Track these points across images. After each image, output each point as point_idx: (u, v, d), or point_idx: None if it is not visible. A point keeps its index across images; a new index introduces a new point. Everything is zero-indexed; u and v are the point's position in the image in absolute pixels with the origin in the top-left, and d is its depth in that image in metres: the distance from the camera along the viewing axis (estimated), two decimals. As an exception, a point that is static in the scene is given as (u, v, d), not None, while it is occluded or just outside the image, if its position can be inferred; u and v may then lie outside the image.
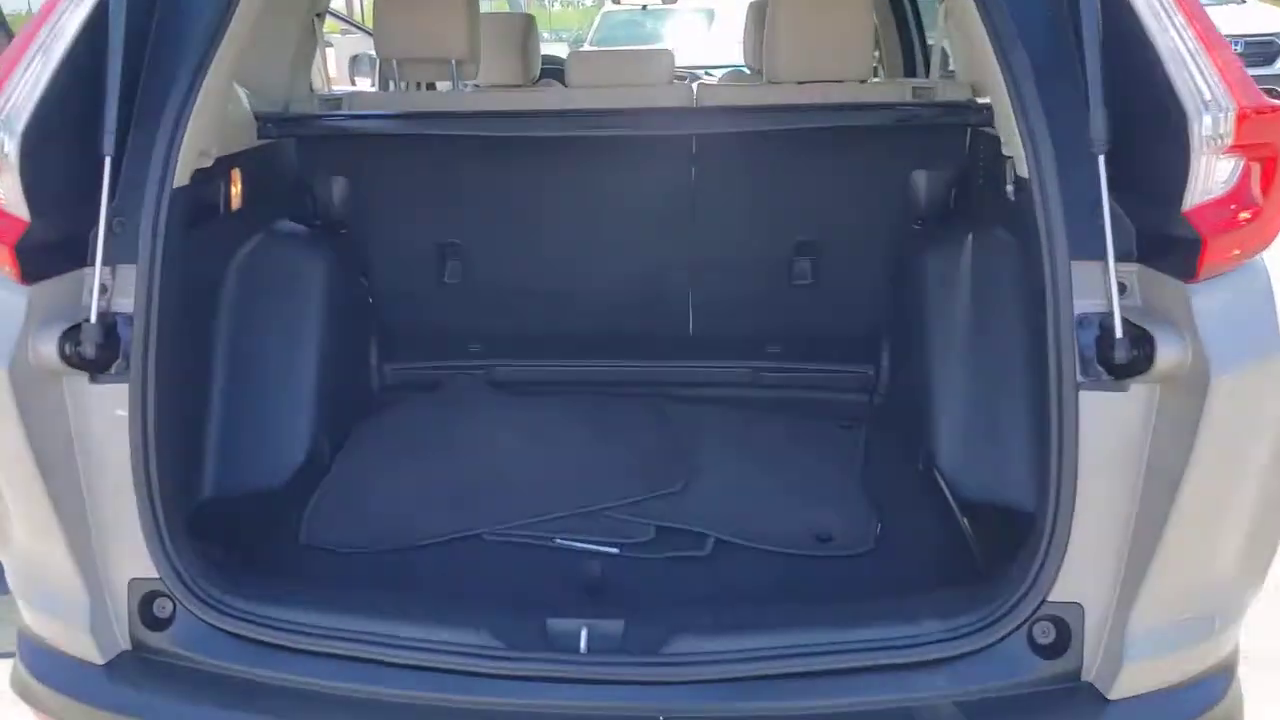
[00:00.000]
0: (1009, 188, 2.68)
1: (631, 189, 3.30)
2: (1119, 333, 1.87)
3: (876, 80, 3.29)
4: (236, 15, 2.16)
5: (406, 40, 3.26)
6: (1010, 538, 2.41)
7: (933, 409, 2.83)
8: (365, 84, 5.57)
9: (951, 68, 3.59)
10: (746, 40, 4.63)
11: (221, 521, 2.54)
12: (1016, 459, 2.61)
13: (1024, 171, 2.04)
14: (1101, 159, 1.88)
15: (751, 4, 4.60)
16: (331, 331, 2.98)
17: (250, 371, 2.81)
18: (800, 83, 3.17)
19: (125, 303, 2.05)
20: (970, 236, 2.90)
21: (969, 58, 3.24)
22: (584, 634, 2.03)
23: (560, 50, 5.11)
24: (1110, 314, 1.90)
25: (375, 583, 2.38)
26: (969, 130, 3.10)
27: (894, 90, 3.25)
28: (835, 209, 3.32)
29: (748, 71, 4.76)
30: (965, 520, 2.53)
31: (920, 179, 3.24)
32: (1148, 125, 1.90)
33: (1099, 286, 1.93)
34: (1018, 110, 2.00)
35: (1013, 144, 2.13)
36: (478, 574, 2.44)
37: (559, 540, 2.56)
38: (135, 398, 2.04)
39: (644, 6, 6.13)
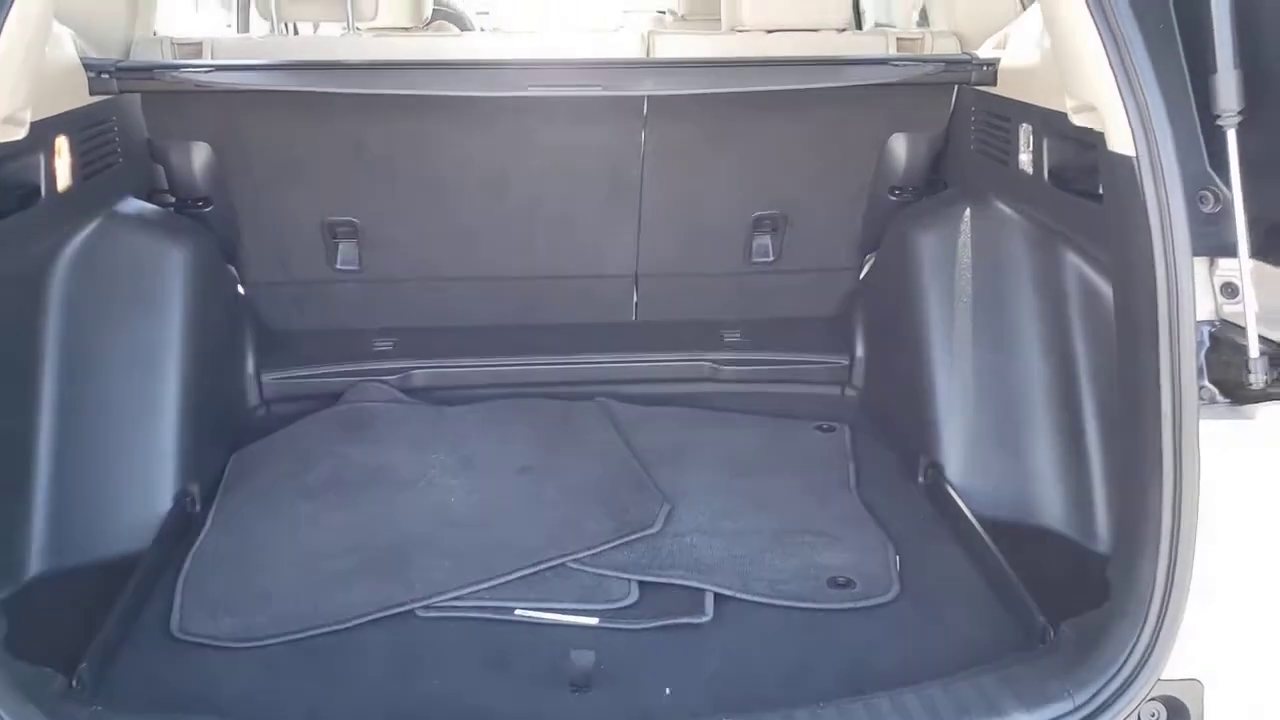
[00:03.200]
0: (1024, 158, 2.29)
1: (569, 155, 2.74)
2: (1254, 349, 1.52)
3: (854, 30, 2.82)
4: None
5: None
6: (1054, 567, 2.09)
7: (935, 411, 2.45)
8: (211, 19, 4.74)
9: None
10: None
11: (58, 609, 1.92)
12: (1043, 471, 2.29)
13: (1119, 146, 1.62)
14: (1232, 134, 1.50)
15: None
16: (197, 338, 2.35)
17: (90, 402, 2.18)
18: (769, 31, 2.66)
19: None
20: (967, 211, 2.51)
21: (955, 5, 2.82)
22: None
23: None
24: (1216, 323, 1.59)
25: (282, 696, 1.79)
26: (955, 88, 2.67)
27: (875, 42, 2.78)
28: (799, 176, 2.88)
29: (668, 18, 4.21)
30: (994, 546, 2.14)
31: (899, 143, 2.81)
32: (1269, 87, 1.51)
33: (1206, 289, 1.60)
34: (1119, 70, 1.58)
35: (1094, 112, 1.70)
36: (418, 670, 1.89)
37: (519, 612, 2.03)
38: None
39: None
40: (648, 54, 2.67)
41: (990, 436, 2.37)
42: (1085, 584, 1.77)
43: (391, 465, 2.47)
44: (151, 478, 2.23)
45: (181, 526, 2.22)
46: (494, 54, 2.65)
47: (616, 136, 2.69)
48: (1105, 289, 1.98)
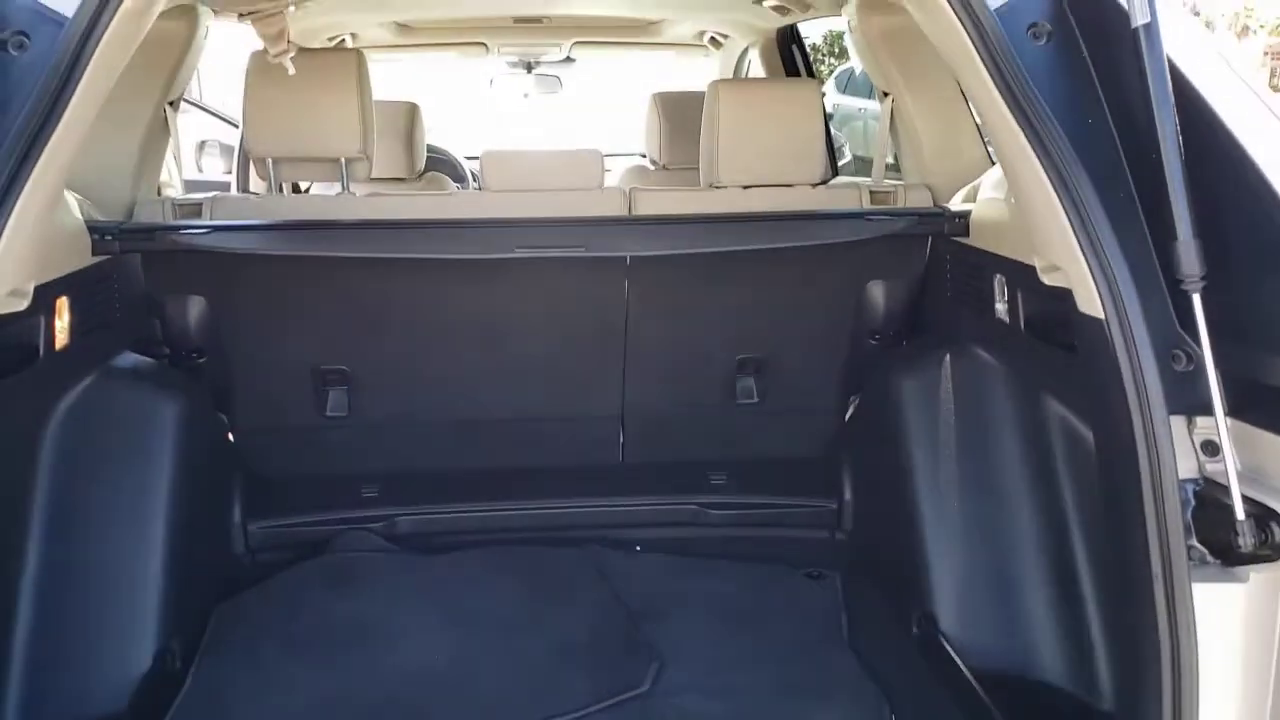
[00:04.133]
0: (1000, 307, 2.37)
1: (555, 304, 2.82)
2: (1239, 510, 1.51)
3: (828, 184, 2.94)
4: (72, 107, 1.57)
5: (286, 139, 2.70)
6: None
7: (924, 558, 2.44)
8: (215, 169, 4.92)
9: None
10: (650, 134, 4.29)
11: None
12: (1038, 624, 2.26)
13: (1088, 308, 1.68)
14: (1197, 297, 1.55)
15: (654, 95, 4.27)
16: (185, 489, 2.35)
17: (75, 557, 2.16)
18: (745, 187, 2.79)
19: None
20: (947, 357, 2.56)
21: (926, 158, 2.96)
22: None
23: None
24: (1199, 481, 1.58)
25: None
26: (929, 238, 2.79)
27: (848, 195, 2.91)
28: (781, 321, 2.95)
29: (650, 165, 4.39)
30: (991, 703, 2.11)
31: (876, 290, 2.90)
32: (1240, 251, 1.58)
33: (1186, 447, 1.60)
34: (1082, 237, 1.65)
35: (1062, 271, 1.77)
36: None
37: None
38: None
39: (525, 95, 5.73)
40: (629, 210, 2.79)
41: (982, 586, 2.34)
42: None
43: (376, 621, 2.44)
44: (133, 634, 2.18)
45: (161, 685, 2.17)
46: (481, 211, 2.76)
47: (601, 288, 2.78)
48: (1089, 436, 1.98)
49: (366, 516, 2.85)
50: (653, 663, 2.29)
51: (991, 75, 1.69)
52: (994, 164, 2.69)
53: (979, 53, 1.70)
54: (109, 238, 2.32)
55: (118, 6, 1.58)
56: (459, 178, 4.98)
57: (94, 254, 2.29)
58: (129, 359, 2.43)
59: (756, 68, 4.62)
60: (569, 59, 5.38)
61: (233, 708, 2.15)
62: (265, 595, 2.58)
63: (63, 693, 2.05)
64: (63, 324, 2.08)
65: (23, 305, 1.68)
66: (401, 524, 2.85)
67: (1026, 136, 1.68)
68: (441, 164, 4.82)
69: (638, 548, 2.88)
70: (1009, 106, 1.68)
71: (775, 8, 3.74)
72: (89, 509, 2.19)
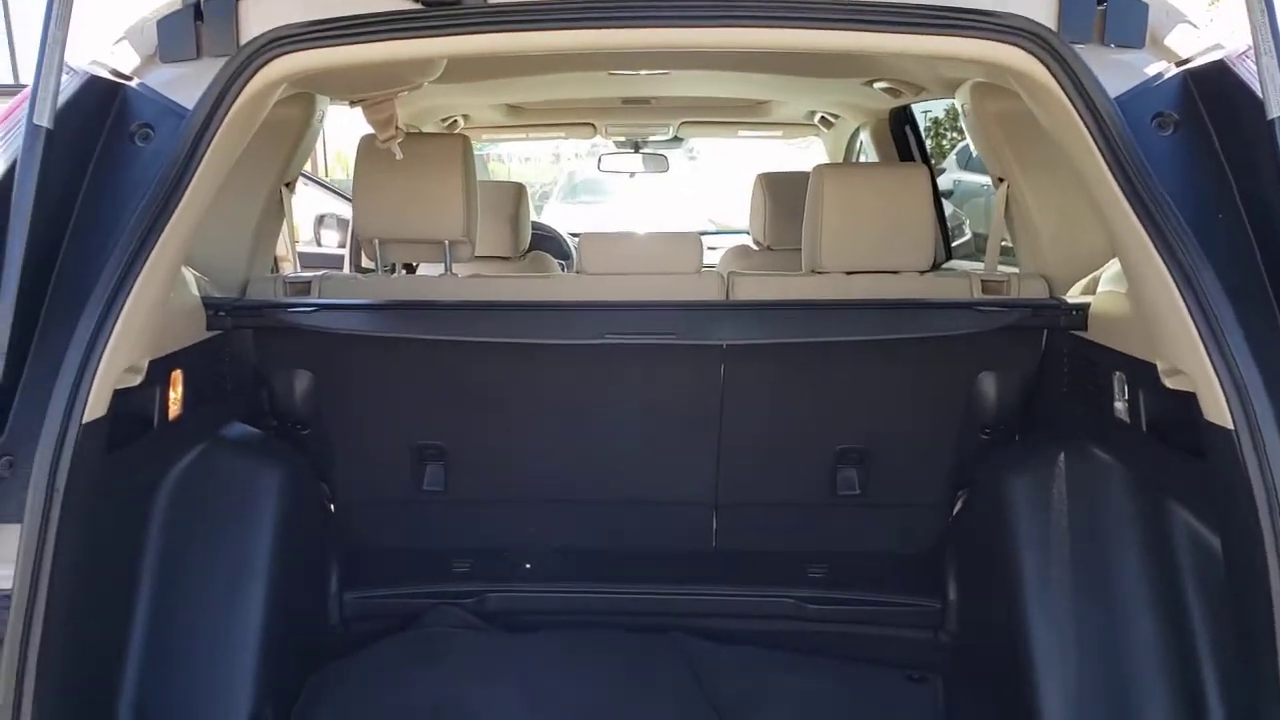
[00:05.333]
0: (1119, 405, 2.23)
1: (649, 387, 2.80)
2: None
3: (938, 269, 2.85)
4: (190, 191, 1.65)
5: (393, 221, 2.79)
6: None
7: (1033, 671, 2.27)
8: (332, 240, 5.14)
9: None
10: (755, 214, 4.28)
11: None
12: None
13: (1215, 416, 1.56)
14: None
15: (759, 175, 4.27)
16: (285, 557, 2.39)
17: (179, 621, 2.21)
18: (849, 272, 2.73)
19: (4, 575, 1.49)
20: (1062, 455, 2.42)
21: (1043, 247, 2.85)
22: None
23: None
24: None
25: None
26: (1044, 330, 2.67)
27: (959, 285, 2.82)
28: (885, 412, 2.85)
29: (754, 246, 4.37)
30: None
31: (987, 382, 2.78)
32: None
33: None
34: (1208, 341, 1.54)
35: (1185, 375, 1.66)
36: None
37: None
38: (7, 705, 1.44)
39: (631, 175, 5.83)
40: (727, 295, 2.76)
41: (1097, 705, 2.17)
42: None
43: (460, 699, 2.42)
44: (230, 699, 2.22)
45: None
46: (577, 294, 2.78)
47: (696, 374, 2.74)
48: (1218, 547, 1.85)
49: (457, 591, 2.85)
50: None
51: (1110, 167, 1.62)
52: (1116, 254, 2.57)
53: (1097, 143, 1.63)
54: (223, 314, 2.42)
55: (235, 99, 1.66)
56: (563, 255, 5.06)
57: (208, 329, 2.39)
58: (237, 429, 2.52)
59: (868, 148, 4.59)
60: (676, 139, 5.46)
61: None
62: (356, 668, 2.59)
63: None
64: (176, 395, 2.17)
65: (137, 380, 1.75)
66: (490, 600, 2.85)
67: (1148, 232, 1.59)
68: (546, 241, 4.91)
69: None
70: (1129, 200, 1.60)
71: (887, 89, 3.71)
72: (193, 573, 2.24)
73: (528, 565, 2.92)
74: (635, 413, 2.82)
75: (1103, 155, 1.63)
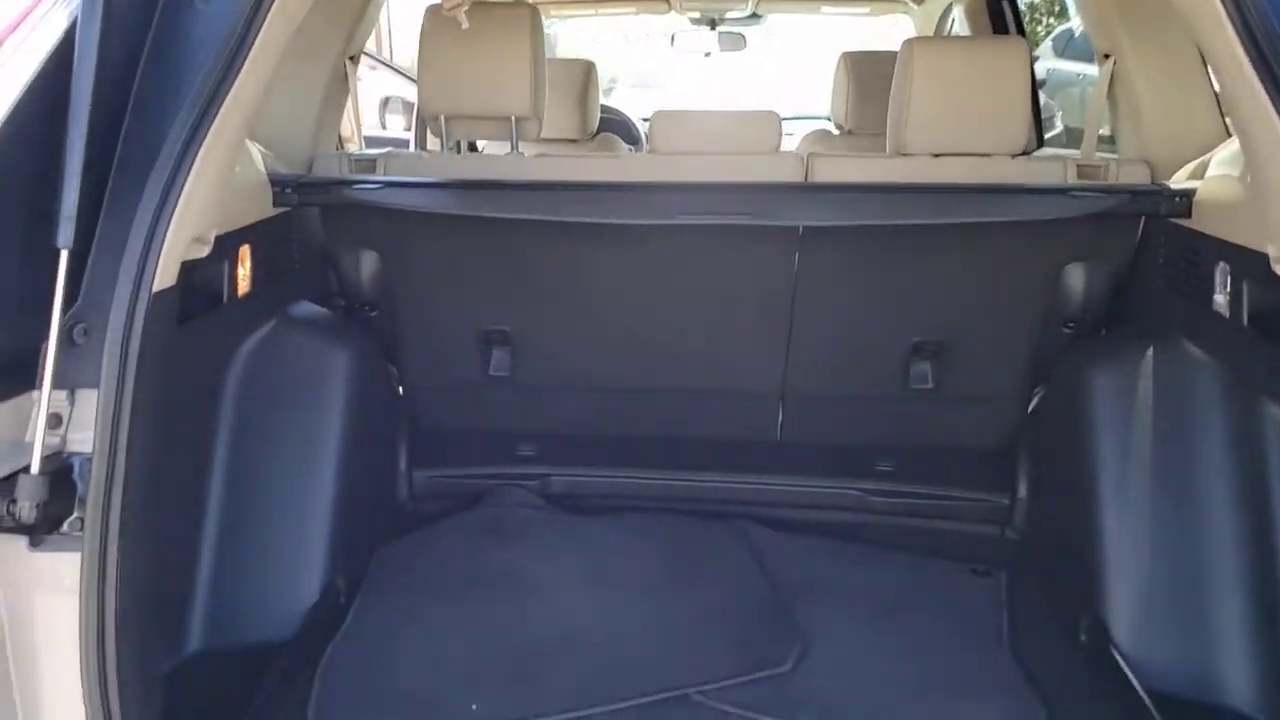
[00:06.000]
0: (1219, 298, 2.11)
1: (720, 275, 2.73)
2: None
3: (1030, 155, 2.70)
4: (252, 59, 1.62)
5: (458, 96, 2.72)
6: None
7: (1103, 564, 2.24)
8: (397, 125, 5.10)
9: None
10: (836, 96, 4.10)
11: (210, 687, 2.00)
12: (1230, 644, 2.04)
13: None
14: None
15: (844, 54, 4.07)
16: (355, 435, 2.44)
17: (253, 492, 2.28)
18: (936, 155, 2.60)
19: (84, 438, 1.53)
20: (1151, 350, 2.32)
21: (1147, 130, 2.66)
22: None
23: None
24: None
25: None
26: (1143, 219, 2.52)
27: (1053, 169, 2.66)
28: (965, 303, 2.75)
29: (834, 131, 4.20)
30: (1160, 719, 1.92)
31: (1076, 273, 2.65)
32: None
33: None
34: None
35: None
36: None
37: None
38: (91, 567, 1.51)
39: (706, 54, 5.61)
40: (806, 177, 2.65)
41: (1167, 597, 2.14)
42: None
43: (524, 574, 2.47)
44: (303, 568, 2.30)
45: (327, 618, 2.28)
46: (648, 175, 2.69)
47: (769, 260, 2.67)
48: None
49: (522, 474, 2.90)
50: (796, 644, 2.22)
51: (1238, 32, 1.48)
52: (1230, 136, 2.40)
53: (1228, 11, 1.49)
54: (289, 190, 2.41)
55: None
56: (632, 139, 4.94)
57: (275, 205, 2.39)
58: (306, 308, 2.54)
59: (960, 28, 4.33)
60: (755, 15, 5.21)
61: (387, 646, 2.24)
62: (424, 543, 2.67)
63: (240, 617, 2.19)
64: (244, 272, 2.19)
65: (204, 252, 1.76)
66: (555, 483, 2.89)
67: (1276, 105, 1.46)
68: (615, 125, 4.80)
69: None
70: (1257, 70, 1.47)
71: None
72: (266, 447, 2.30)
73: (591, 451, 2.94)
74: (705, 300, 2.77)
75: (1230, 20, 1.49)
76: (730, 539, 2.69)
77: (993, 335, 2.79)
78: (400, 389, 2.96)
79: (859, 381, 2.89)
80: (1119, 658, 2.12)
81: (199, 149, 1.56)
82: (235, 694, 1.97)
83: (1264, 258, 1.74)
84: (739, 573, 2.52)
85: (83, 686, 1.51)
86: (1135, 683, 2.05)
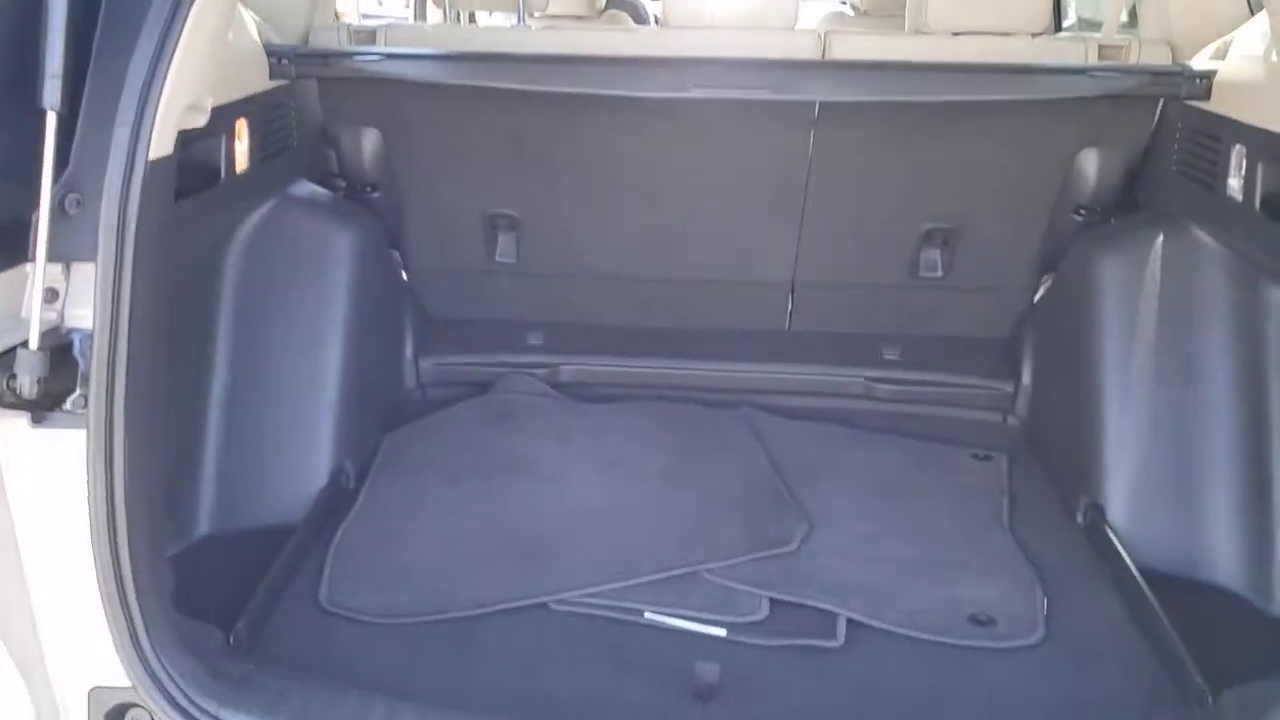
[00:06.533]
0: (1233, 183, 2.09)
1: (733, 156, 2.68)
2: None
3: (1051, 35, 2.63)
4: None
5: None
6: (1222, 629, 1.92)
7: (1102, 448, 2.28)
8: (395, 6, 4.94)
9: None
10: None
11: (220, 570, 2.02)
12: (1219, 524, 2.11)
13: None
14: None
15: None
16: (359, 319, 2.43)
17: (258, 375, 2.28)
18: (955, 34, 2.53)
19: (83, 314, 1.50)
20: (1160, 237, 2.32)
21: (1171, 9, 2.58)
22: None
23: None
24: None
25: (415, 675, 1.84)
26: (1161, 101, 2.47)
27: (1073, 49, 2.59)
28: (977, 189, 2.72)
29: (850, 11, 4.08)
30: (1154, 598, 1.98)
31: (1089, 159, 2.62)
32: None
33: None
34: None
35: None
36: (546, 662, 1.90)
37: (648, 615, 2.01)
38: (97, 445, 1.50)
39: None
40: (823, 55, 2.57)
41: (1162, 480, 2.19)
42: (1256, 650, 1.64)
43: (534, 459, 2.50)
44: (311, 452, 2.32)
45: (335, 501, 2.31)
46: (659, 50, 2.61)
47: (784, 139, 2.62)
48: None
49: (531, 362, 2.90)
50: (802, 524, 2.26)
51: None
52: (1252, 15, 2.33)
53: None
54: (285, 61, 2.34)
55: None
56: (641, 20, 4.80)
57: (271, 78, 2.32)
58: (306, 188, 2.50)
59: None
60: None
61: (400, 527, 2.27)
62: (432, 427, 2.68)
63: (248, 499, 2.21)
64: (242, 147, 2.14)
65: (201, 121, 1.71)
66: (564, 372, 2.89)
67: None
68: (623, 3, 4.65)
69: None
70: None
71: None
72: (270, 329, 2.29)
73: (600, 340, 2.94)
74: (717, 184, 2.73)
75: None
76: (737, 425, 2.71)
77: (1004, 222, 2.77)
78: (404, 274, 2.94)
79: (869, 270, 2.88)
80: (1114, 538, 2.17)
81: (190, 7, 1.49)
82: (246, 576, 1.99)
83: None
84: (746, 458, 2.55)
85: (95, 566, 1.51)
86: (1129, 561, 2.10)
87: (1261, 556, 2.01)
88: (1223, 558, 2.07)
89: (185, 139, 1.63)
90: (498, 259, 2.89)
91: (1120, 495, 2.23)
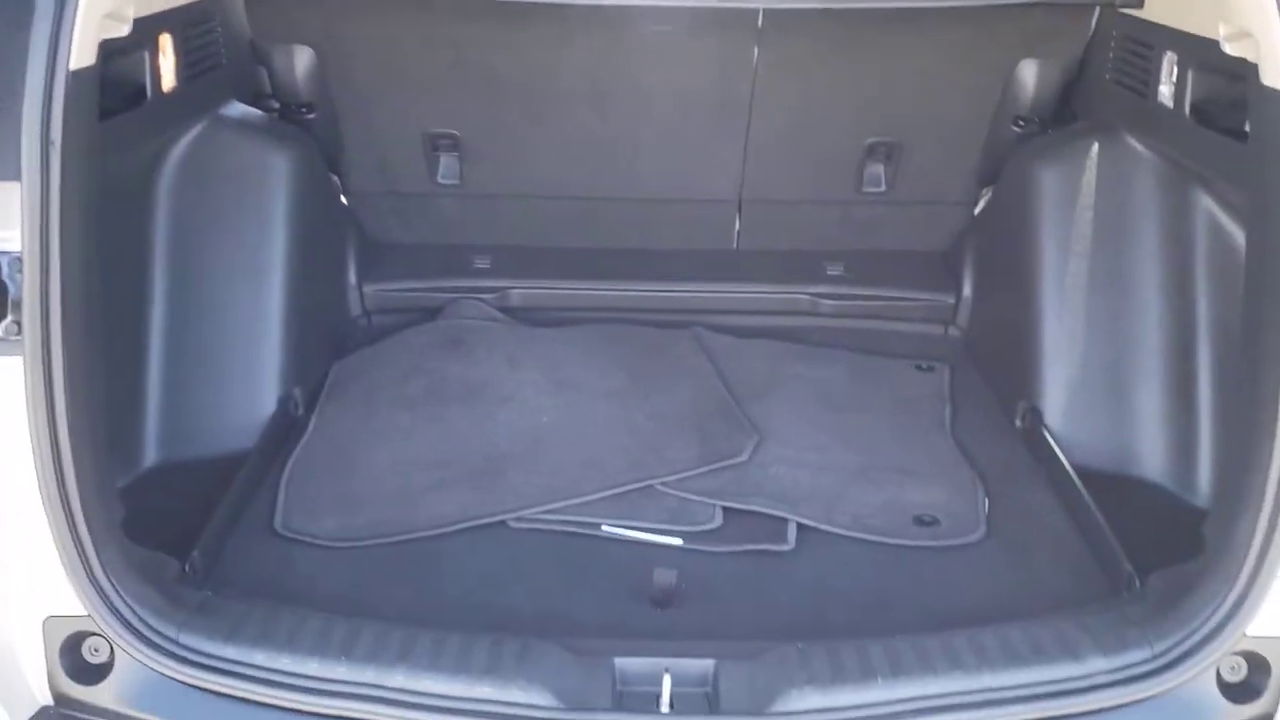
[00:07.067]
0: (1164, 89, 2.13)
1: (677, 71, 2.66)
2: None
3: None
4: None
5: None
6: (1149, 519, 2.02)
7: (1040, 354, 2.36)
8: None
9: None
10: None
11: (171, 500, 2.00)
12: (1147, 422, 2.21)
13: (1274, 80, 1.48)
14: None
15: None
16: (300, 245, 2.39)
17: (199, 302, 2.24)
18: None
19: (8, 236, 1.45)
20: (1095, 146, 2.37)
21: None
22: (666, 684, 1.53)
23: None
24: None
25: (375, 596, 1.85)
26: (1097, 10, 2.50)
27: None
28: (919, 103, 2.74)
29: None
30: (1088, 494, 2.07)
31: (1028, 70, 2.65)
32: None
33: None
34: None
35: (1251, 40, 1.56)
36: (507, 578, 1.93)
37: (605, 528, 2.05)
38: (36, 371, 1.46)
39: None
40: None
41: (1095, 383, 2.28)
42: (1179, 537, 1.71)
43: (486, 382, 2.49)
44: (257, 380, 2.29)
45: (285, 429, 2.30)
46: None
47: (728, 51, 2.60)
48: (1239, 236, 1.87)
49: (478, 287, 2.88)
50: (752, 436, 2.31)
51: None
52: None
53: None
54: None
55: None
56: None
57: None
58: (238, 108, 2.42)
59: None
60: None
61: (351, 452, 2.26)
62: (381, 353, 2.66)
63: (195, 429, 2.18)
64: (168, 63, 2.06)
65: (123, 30, 1.63)
66: (512, 296, 2.88)
67: None
68: None
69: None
70: None
71: None
72: (207, 257, 2.24)
73: (548, 263, 2.92)
74: (661, 99, 2.71)
75: None
76: (686, 345, 2.74)
77: (945, 135, 2.80)
78: (344, 198, 2.88)
79: (814, 185, 2.90)
80: (1051, 439, 2.26)
81: None
82: (198, 505, 1.97)
83: (1213, 44, 1.74)
84: (696, 375, 2.58)
85: (41, 494, 1.49)
86: (1065, 461, 2.19)
87: (1186, 452, 2.12)
88: (1151, 454, 2.18)
89: (107, 50, 1.57)
90: (440, 180, 2.84)
91: (1057, 399, 2.32)
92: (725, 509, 2.09)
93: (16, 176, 1.41)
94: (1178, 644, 1.55)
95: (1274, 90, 1.48)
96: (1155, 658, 1.55)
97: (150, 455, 2.13)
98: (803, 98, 2.70)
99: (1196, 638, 1.55)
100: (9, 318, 1.44)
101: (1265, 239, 1.56)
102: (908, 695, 1.52)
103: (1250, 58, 1.57)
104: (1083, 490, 2.09)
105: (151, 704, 1.55)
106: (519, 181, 2.86)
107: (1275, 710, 1.60)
